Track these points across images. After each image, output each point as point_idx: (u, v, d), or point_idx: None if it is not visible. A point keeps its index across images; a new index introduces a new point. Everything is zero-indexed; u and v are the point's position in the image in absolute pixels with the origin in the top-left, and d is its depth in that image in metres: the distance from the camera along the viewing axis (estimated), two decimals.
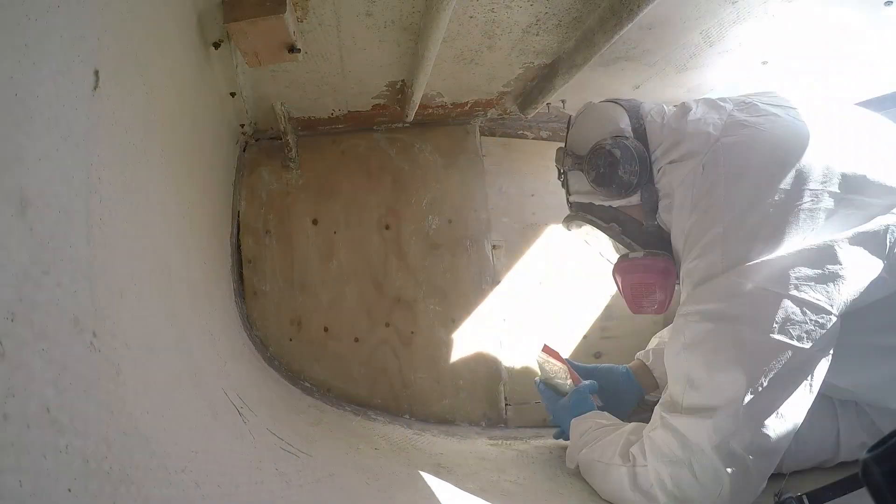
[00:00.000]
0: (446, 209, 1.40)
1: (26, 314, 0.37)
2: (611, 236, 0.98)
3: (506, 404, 1.34)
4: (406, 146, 1.42)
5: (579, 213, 1.03)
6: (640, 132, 0.93)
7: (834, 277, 0.72)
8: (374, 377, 1.32)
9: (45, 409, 0.37)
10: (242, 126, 1.28)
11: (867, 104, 1.37)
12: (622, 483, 0.83)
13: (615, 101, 0.99)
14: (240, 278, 1.31)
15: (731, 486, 0.72)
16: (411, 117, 1.31)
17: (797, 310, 0.72)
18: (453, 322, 1.36)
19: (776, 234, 0.75)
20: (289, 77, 1.12)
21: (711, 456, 0.73)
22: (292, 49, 0.90)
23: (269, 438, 0.82)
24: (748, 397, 0.71)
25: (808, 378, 0.72)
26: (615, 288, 1.05)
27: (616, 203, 0.96)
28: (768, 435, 0.71)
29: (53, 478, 0.36)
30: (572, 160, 0.99)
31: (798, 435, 0.77)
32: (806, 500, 0.61)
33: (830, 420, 0.87)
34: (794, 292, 0.72)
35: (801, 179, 0.76)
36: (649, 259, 0.94)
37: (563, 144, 1.05)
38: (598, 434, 0.94)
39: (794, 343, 0.71)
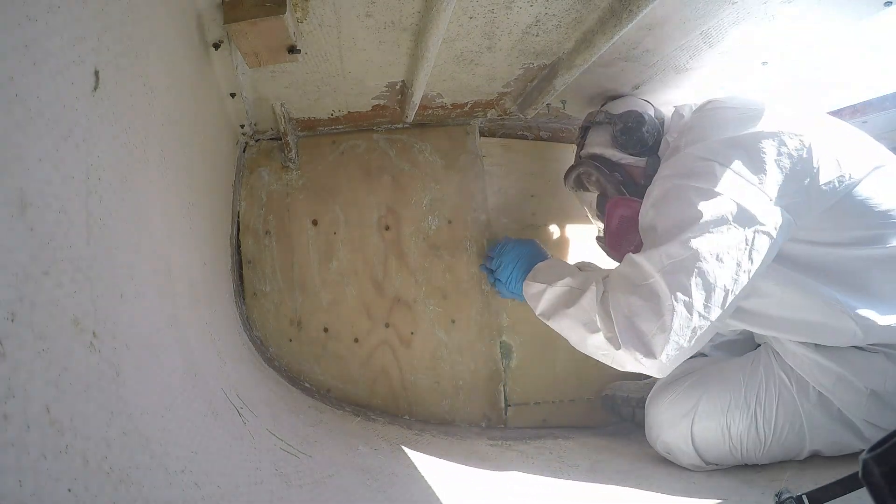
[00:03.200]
0: (446, 210, 1.40)
1: (26, 314, 0.37)
2: (610, 183, 1.16)
3: (506, 404, 1.34)
4: (406, 147, 1.42)
5: (588, 161, 1.21)
6: (661, 120, 1.17)
7: (761, 162, 0.88)
8: (374, 378, 1.32)
9: (45, 410, 0.37)
10: (242, 126, 1.28)
11: (866, 104, 1.38)
12: (592, 303, 0.95)
13: (647, 101, 1.24)
14: (240, 278, 1.31)
15: (673, 319, 0.84)
16: (411, 118, 1.31)
17: (734, 174, 0.87)
18: (453, 322, 1.36)
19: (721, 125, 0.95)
20: (289, 78, 1.12)
21: (659, 279, 0.87)
22: (292, 50, 0.89)
23: (268, 439, 0.82)
24: (692, 233, 0.86)
25: (747, 236, 0.85)
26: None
27: (625, 160, 1.16)
28: (706, 270, 0.84)
29: (53, 478, 0.36)
30: (605, 115, 1.20)
31: (764, 425, 0.97)
32: (806, 500, 0.61)
33: (793, 410, 0.96)
34: (725, 163, 0.88)
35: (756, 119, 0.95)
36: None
37: (593, 110, 1.27)
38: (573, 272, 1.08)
39: (734, 199, 0.86)
